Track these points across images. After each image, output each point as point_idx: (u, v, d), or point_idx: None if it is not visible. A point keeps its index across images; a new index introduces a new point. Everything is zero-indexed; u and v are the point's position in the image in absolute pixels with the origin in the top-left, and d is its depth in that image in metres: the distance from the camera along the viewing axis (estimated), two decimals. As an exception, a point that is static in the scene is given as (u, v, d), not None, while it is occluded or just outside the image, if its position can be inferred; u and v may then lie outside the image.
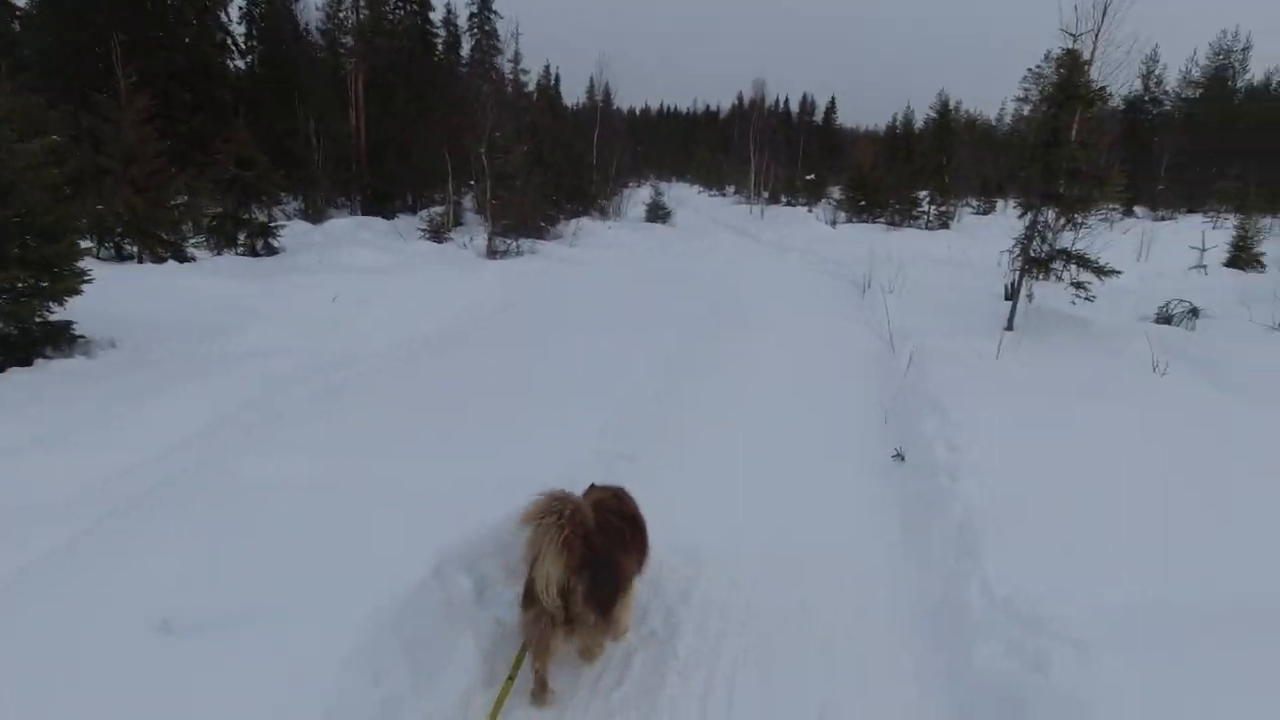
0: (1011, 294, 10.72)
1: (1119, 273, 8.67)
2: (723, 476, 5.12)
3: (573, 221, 22.91)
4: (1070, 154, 8.19)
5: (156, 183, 11.37)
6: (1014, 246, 9.30)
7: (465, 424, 4.93)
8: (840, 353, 8.56)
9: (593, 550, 2.75)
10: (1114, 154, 10.91)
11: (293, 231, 19.59)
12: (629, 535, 3.18)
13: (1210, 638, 2.73)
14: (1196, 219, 30.39)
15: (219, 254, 15.04)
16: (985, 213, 34.80)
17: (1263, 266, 16.17)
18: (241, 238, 15.51)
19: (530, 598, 2.77)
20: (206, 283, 8.62)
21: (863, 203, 30.65)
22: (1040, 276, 9.12)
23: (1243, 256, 16.37)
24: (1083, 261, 8.74)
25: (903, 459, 5.21)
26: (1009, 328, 9.09)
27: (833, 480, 5.17)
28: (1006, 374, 6.31)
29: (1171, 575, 3.31)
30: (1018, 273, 9.23)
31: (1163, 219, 30.97)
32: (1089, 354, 7.59)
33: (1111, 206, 9.29)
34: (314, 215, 24.36)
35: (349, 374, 6.00)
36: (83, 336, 6.70)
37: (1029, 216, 9.13)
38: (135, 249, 11.80)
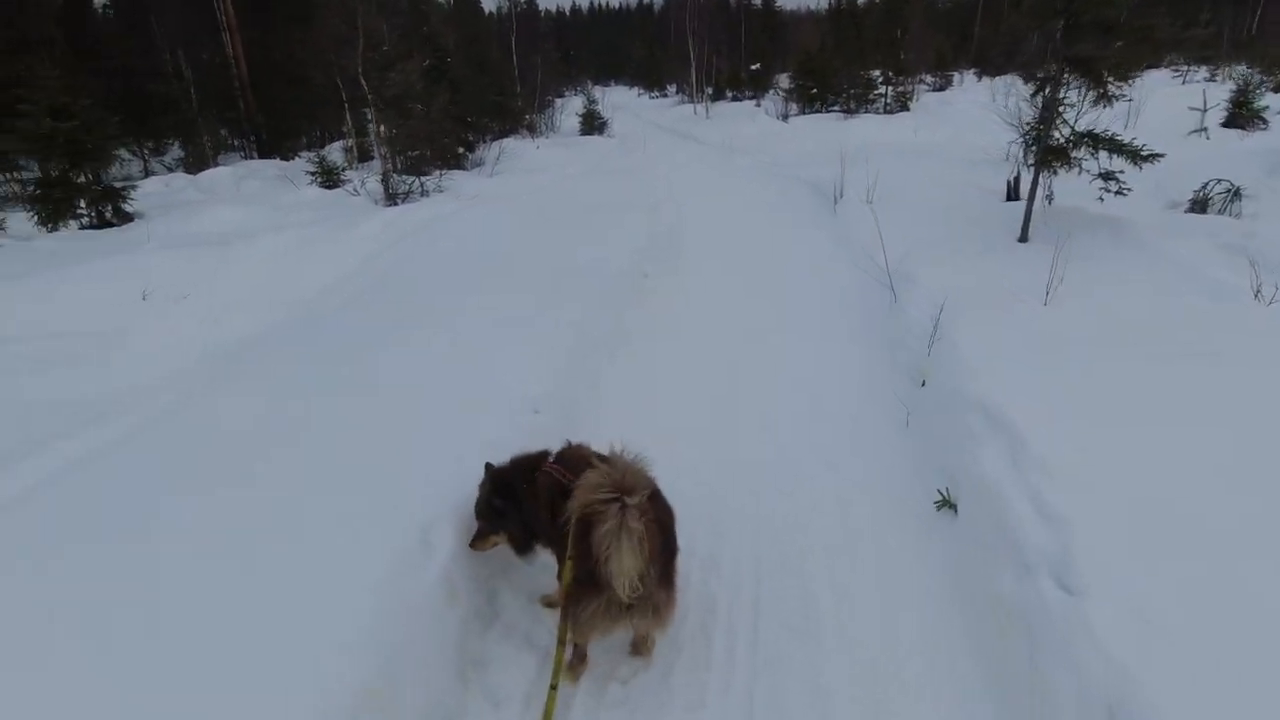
0: (1015, 193, 8.81)
1: (1161, 155, 6.74)
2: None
3: (495, 145, 20.16)
4: (1113, -1, 6.05)
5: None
6: (1027, 134, 7.28)
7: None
8: (821, 305, 6.54)
9: (665, 531, 2.60)
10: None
11: (167, 188, 16.73)
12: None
13: None
14: (1162, 74, 28.29)
15: (54, 229, 12.38)
16: (941, 88, 32.33)
17: (1265, 123, 14.37)
18: (83, 204, 12.77)
19: (597, 586, 2.43)
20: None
21: (814, 90, 27.97)
22: (1059, 169, 7.16)
23: (1243, 113, 14.52)
24: (1114, 145, 6.77)
25: (954, 509, 3.35)
26: (1023, 238, 7.20)
27: (845, 552, 3.32)
28: (1071, 333, 4.39)
29: None
30: (1033, 168, 7.23)
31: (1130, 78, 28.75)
32: (1154, 276, 5.71)
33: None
34: (196, 165, 21.22)
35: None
36: None
37: (1043, 94, 7.05)
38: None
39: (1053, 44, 6.68)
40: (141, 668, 2.13)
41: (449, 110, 17.88)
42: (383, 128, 14.68)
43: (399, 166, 15.72)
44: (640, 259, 7.36)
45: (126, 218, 12.89)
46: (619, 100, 39.71)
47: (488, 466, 2.96)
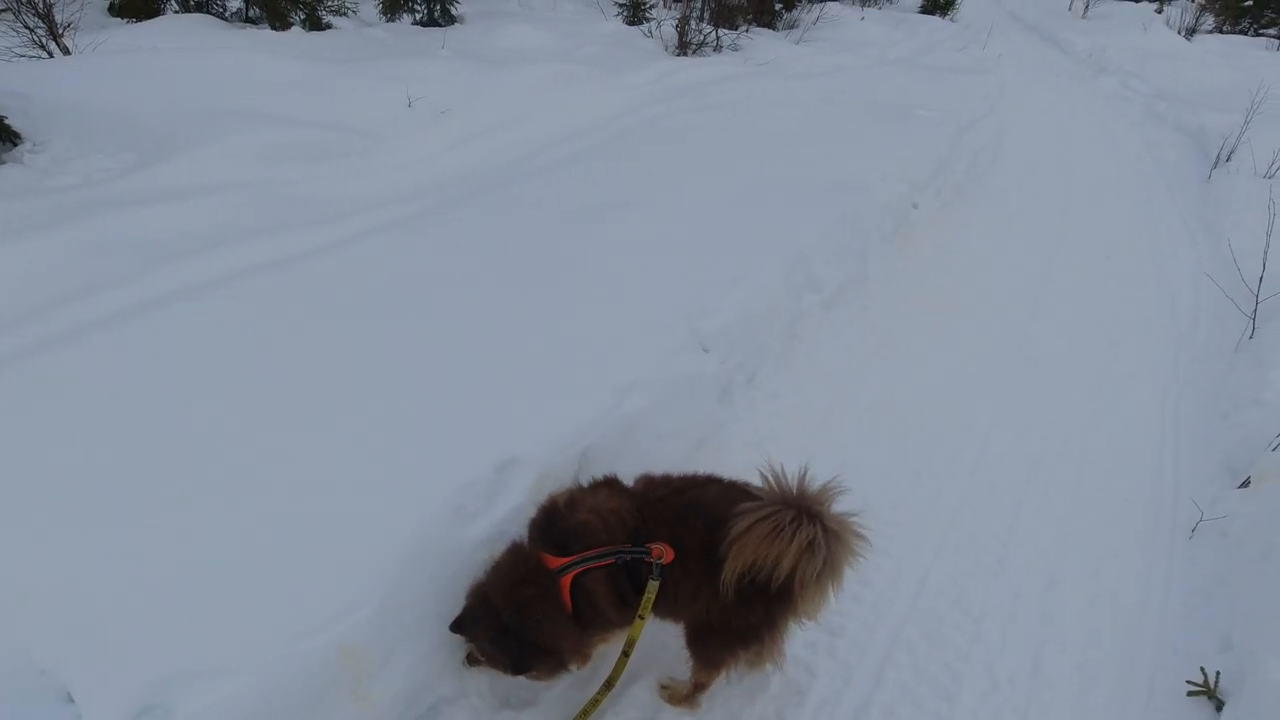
0: None
1: None
2: None
3: (817, 8, 18.13)
4: None
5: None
6: None
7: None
8: (1131, 318, 4.87)
9: None
10: None
11: (493, -2, 17.45)
12: None
13: None
14: None
15: (393, 19, 13.47)
16: None
17: None
18: (418, 2, 13.69)
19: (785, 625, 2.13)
20: (272, 63, 6.83)
21: (1248, 1, 21.27)
22: None
23: None
24: None
25: (1217, 706, 2.23)
26: None
27: None
28: None
29: None
30: None
31: None
32: None
33: None
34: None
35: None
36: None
37: None
38: (253, 9, 10.42)
39: None
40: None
41: (776, -42, 16.21)
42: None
43: (706, 14, 14.75)
44: (918, 188, 6.05)
45: (451, 19, 13.62)
46: (982, -23, 33.75)
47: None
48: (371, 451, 2.48)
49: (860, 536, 2.03)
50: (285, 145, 5.37)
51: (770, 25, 16.76)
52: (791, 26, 17.05)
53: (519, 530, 2.30)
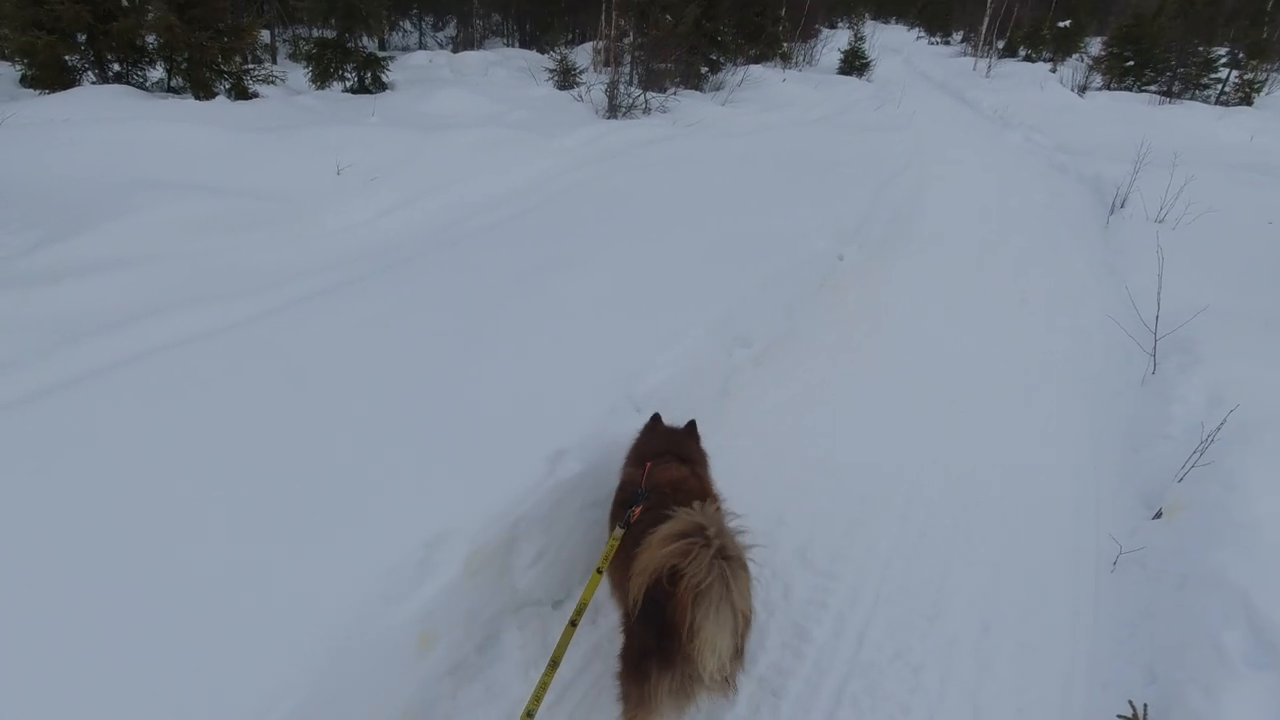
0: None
1: None
2: None
3: (741, 71, 18.99)
4: None
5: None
6: None
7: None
8: (1046, 359, 5.14)
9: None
10: None
11: (429, 64, 17.68)
12: None
13: None
14: None
15: (323, 87, 13.49)
16: (1312, 86, 25.57)
17: None
18: (349, 70, 13.76)
19: (670, 660, 1.98)
20: (195, 133, 6.73)
21: (1130, 63, 23.18)
22: None
23: None
24: None
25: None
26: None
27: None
28: None
29: None
30: None
31: None
32: None
33: None
34: (464, 45, 22.32)
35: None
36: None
37: None
38: (176, 79, 10.32)
39: None
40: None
41: (701, 26, 16.95)
42: (629, 34, 14.21)
43: (635, 78, 15.26)
44: (843, 240, 6.29)
45: (382, 86, 13.72)
46: (893, 41, 36.11)
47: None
48: (291, 534, 2.37)
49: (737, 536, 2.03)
50: (209, 216, 5.26)
51: (697, 87, 17.42)
52: (718, 88, 17.76)
53: (450, 611, 2.29)
